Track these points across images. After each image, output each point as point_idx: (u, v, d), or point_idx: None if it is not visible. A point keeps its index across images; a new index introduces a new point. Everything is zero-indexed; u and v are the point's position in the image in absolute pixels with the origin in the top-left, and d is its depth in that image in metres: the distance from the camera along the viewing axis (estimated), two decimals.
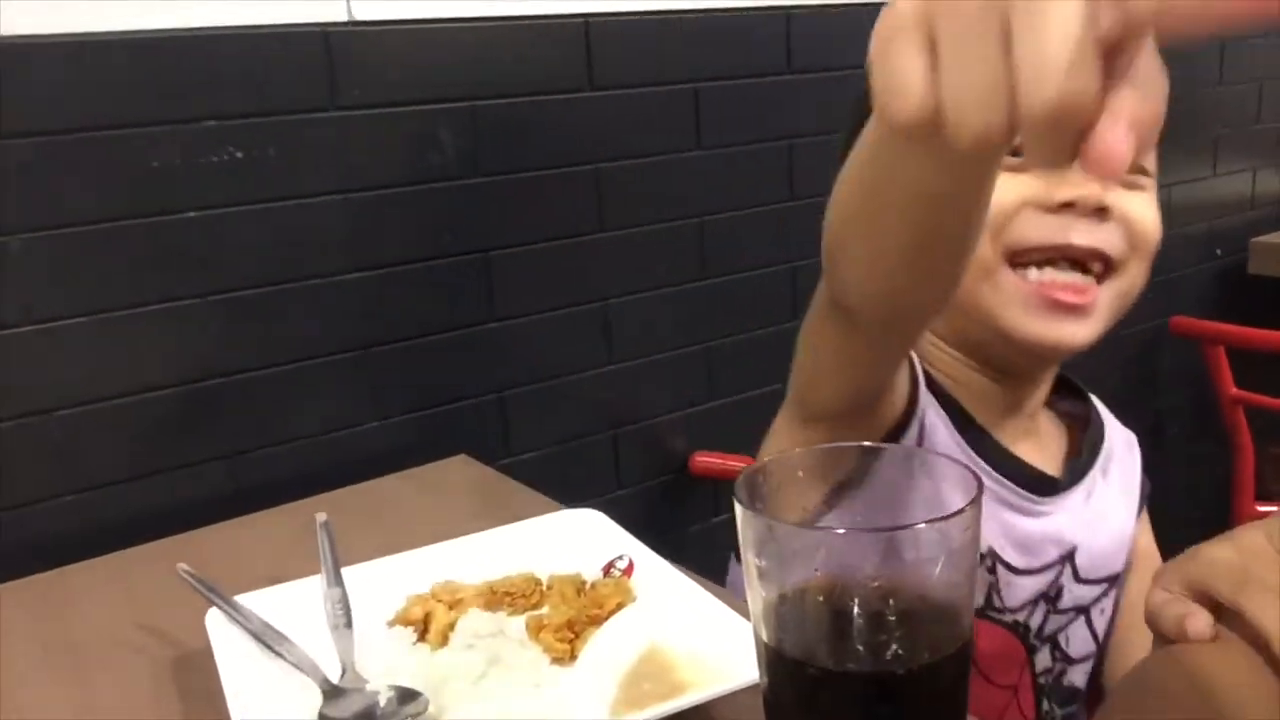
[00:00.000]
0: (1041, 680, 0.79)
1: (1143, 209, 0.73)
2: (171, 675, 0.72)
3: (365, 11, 1.04)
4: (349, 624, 0.70)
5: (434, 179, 1.11)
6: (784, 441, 0.73)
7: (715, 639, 0.64)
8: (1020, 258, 0.71)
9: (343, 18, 1.03)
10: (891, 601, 0.45)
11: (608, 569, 0.74)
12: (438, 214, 1.12)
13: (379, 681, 0.65)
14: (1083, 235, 0.70)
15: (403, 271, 1.11)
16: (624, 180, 1.24)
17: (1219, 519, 1.61)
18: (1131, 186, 0.72)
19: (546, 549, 0.78)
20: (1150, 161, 0.74)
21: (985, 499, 0.56)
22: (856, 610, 0.46)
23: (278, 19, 1.00)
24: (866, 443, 0.50)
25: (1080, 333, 0.71)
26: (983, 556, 0.74)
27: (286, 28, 1.01)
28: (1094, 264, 0.71)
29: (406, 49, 1.08)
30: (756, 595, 0.46)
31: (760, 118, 1.34)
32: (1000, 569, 0.75)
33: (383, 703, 0.63)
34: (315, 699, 0.63)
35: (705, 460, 1.32)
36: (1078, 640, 0.79)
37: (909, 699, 0.44)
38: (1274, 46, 2.03)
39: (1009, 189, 0.69)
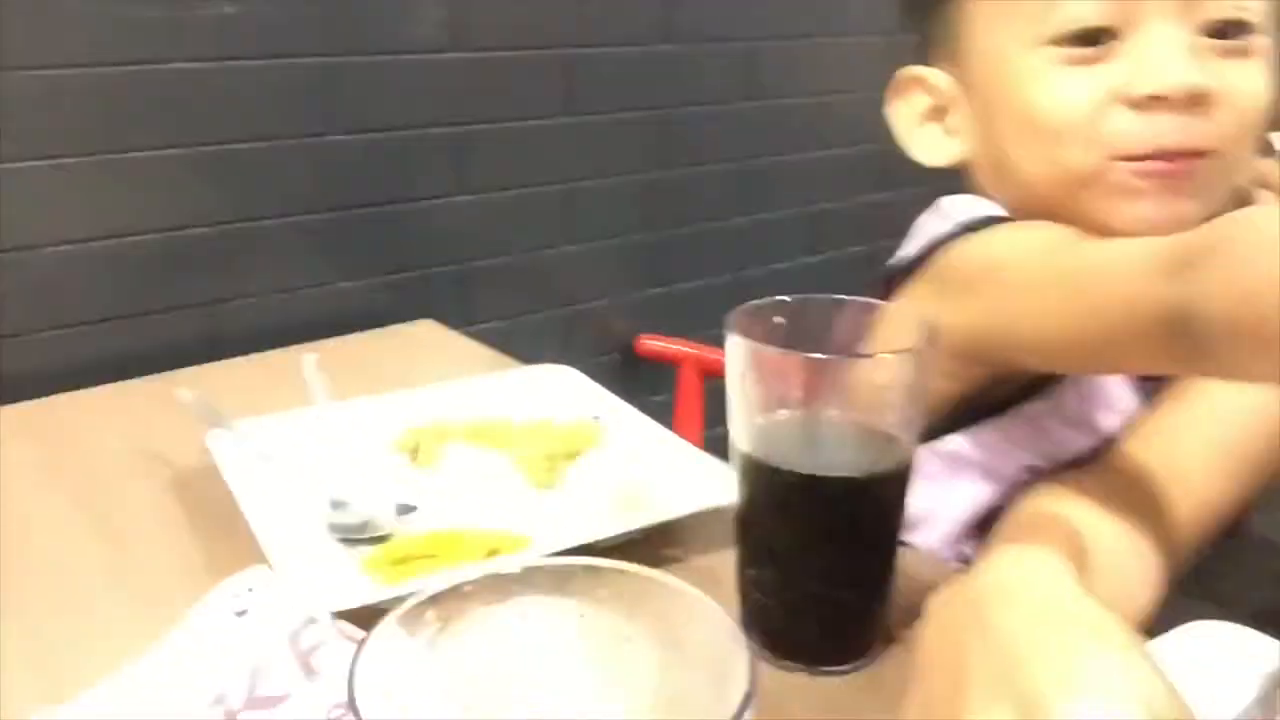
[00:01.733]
0: None
1: (1242, 80, 0.62)
2: (175, 494, 0.77)
3: None
4: (345, 445, 0.77)
5: (415, 50, 1.15)
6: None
7: (683, 470, 0.72)
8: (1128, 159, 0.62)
9: None
10: (851, 423, 0.55)
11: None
12: (416, 87, 1.16)
13: (378, 496, 0.72)
14: (1177, 133, 0.60)
15: (381, 139, 1.15)
16: (596, 68, 1.29)
17: None
18: (1234, 54, 0.62)
19: (522, 399, 0.85)
20: (1261, 13, 0.63)
21: None
22: (823, 428, 0.55)
23: None
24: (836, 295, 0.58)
25: (1179, 212, 0.61)
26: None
27: None
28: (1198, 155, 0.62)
29: None
30: (738, 414, 0.55)
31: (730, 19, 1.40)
32: None
33: (384, 514, 0.71)
34: (322, 510, 0.70)
35: (650, 343, 1.41)
36: None
37: (863, 501, 0.54)
38: None
39: (1085, 85, 0.62)
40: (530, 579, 0.38)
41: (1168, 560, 0.60)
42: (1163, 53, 0.60)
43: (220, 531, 0.69)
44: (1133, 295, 0.49)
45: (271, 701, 0.50)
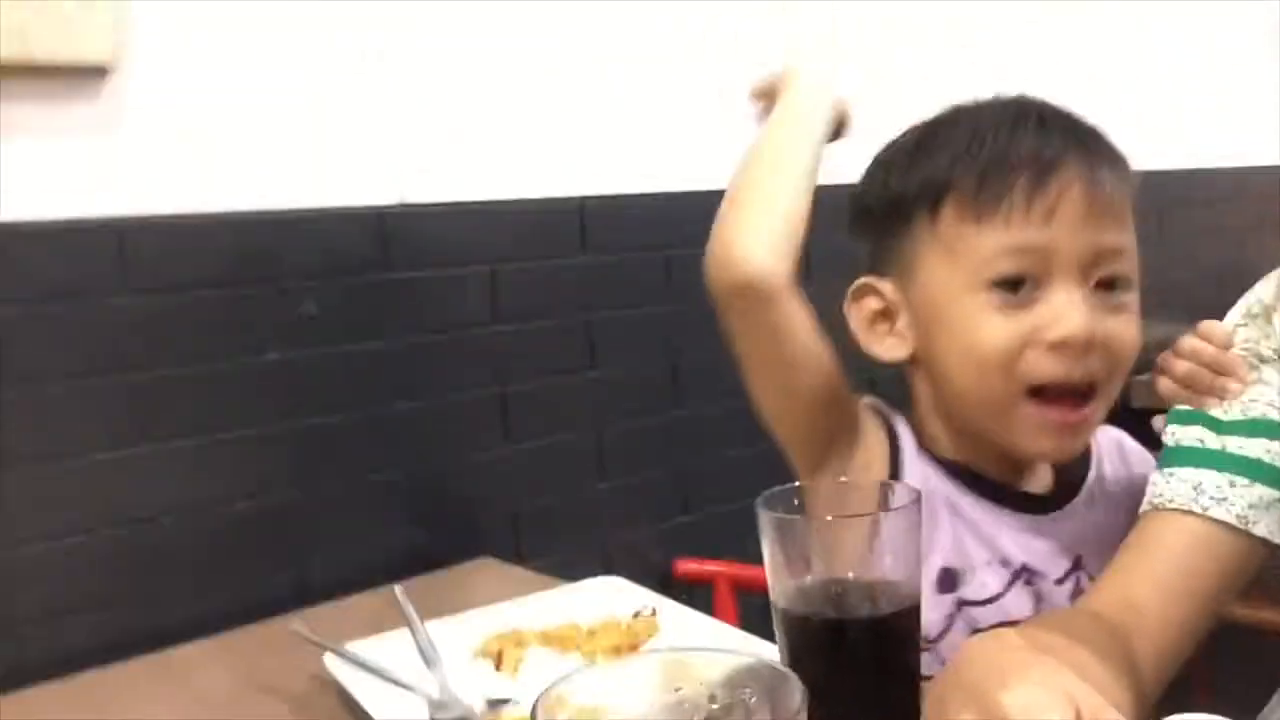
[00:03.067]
0: None
1: (1123, 329, 0.79)
2: (291, 713, 0.89)
3: (413, 196, 1.32)
4: (438, 658, 0.89)
5: (464, 325, 1.36)
6: None
7: (729, 642, 0.85)
8: (1034, 394, 0.79)
9: (395, 201, 1.30)
10: (863, 574, 0.68)
11: (637, 614, 0.95)
12: (465, 356, 1.37)
13: (470, 697, 0.84)
14: (1077, 369, 0.77)
15: (440, 405, 1.34)
16: (614, 327, 1.50)
17: None
18: (1117, 310, 0.79)
19: (584, 605, 0.98)
20: (1134, 277, 0.81)
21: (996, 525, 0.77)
22: (843, 584, 0.68)
23: (346, 202, 1.26)
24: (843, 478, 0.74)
25: (1075, 445, 0.83)
26: (1019, 571, 0.85)
27: (351, 209, 1.27)
28: (1091, 392, 0.79)
29: (442, 225, 1.35)
30: (774, 578, 0.69)
31: None
32: (1038, 581, 0.86)
33: (478, 708, 0.82)
34: (425, 711, 0.82)
35: (687, 565, 1.53)
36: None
37: (881, 636, 0.67)
38: (1140, 218, 2.40)
39: (1007, 328, 0.78)
40: None
41: (1134, 689, 0.69)
42: (1068, 307, 0.78)
43: None
44: None
45: None
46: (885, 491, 0.73)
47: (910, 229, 0.83)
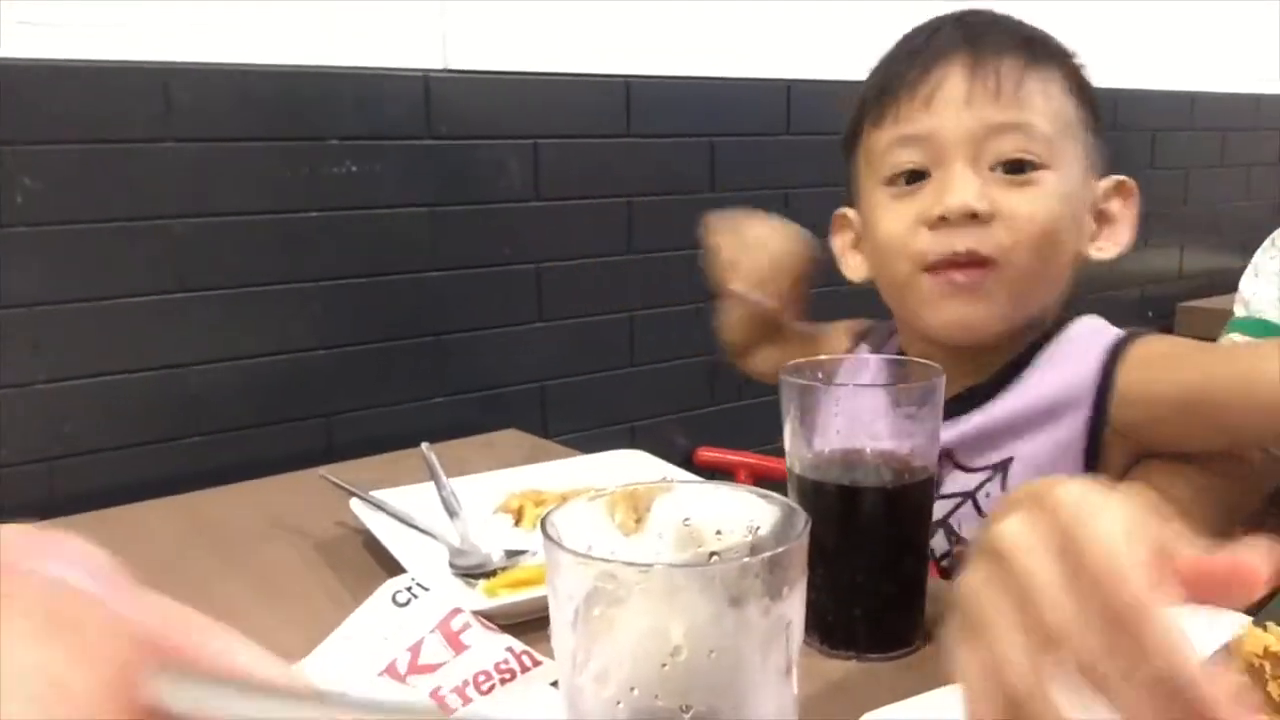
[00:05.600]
0: (944, 563, 0.87)
1: (1021, 204, 0.79)
2: (319, 554, 0.92)
3: (457, 61, 1.30)
4: (460, 510, 0.92)
5: (502, 199, 1.36)
6: None
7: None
8: (930, 269, 0.81)
9: (439, 65, 1.29)
10: (879, 444, 0.69)
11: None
12: (503, 228, 1.37)
13: (489, 546, 0.86)
14: (961, 240, 0.79)
15: (473, 274, 1.35)
16: (653, 213, 1.49)
17: None
18: (1019, 185, 0.79)
19: (604, 472, 1.00)
20: (1046, 155, 0.79)
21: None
22: (858, 454, 0.69)
23: (392, 64, 1.25)
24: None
25: (975, 312, 0.80)
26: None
27: (397, 70, 1.26)
28: (984, 263, 0.79)
29: (487, 93, 1.33)
30: (792, 445, 0.69)
31: (763, 168, 1.60)
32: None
33: (495, 557, 0.85)
34: (445, 556, 0.85)
35: (708, 454, 1.55)
36: (968, 522, 0.85)
37: (893, 507, 0.67)
38: (1200, 139, 2.34)
39: (901, 213, 0.82)
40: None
41: None
42: (950, 185, 0.80)
43: (362, 582, 0.83)
44: None
45: (430, 668, 0.64)
46: (905, 366, 0.74)
47: (854, 152, 0.90)
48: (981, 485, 0.85)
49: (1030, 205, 0.79)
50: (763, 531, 0.45)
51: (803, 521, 0.41)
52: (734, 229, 1.02)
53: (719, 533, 0.47)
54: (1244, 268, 1.19)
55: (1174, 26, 2.24)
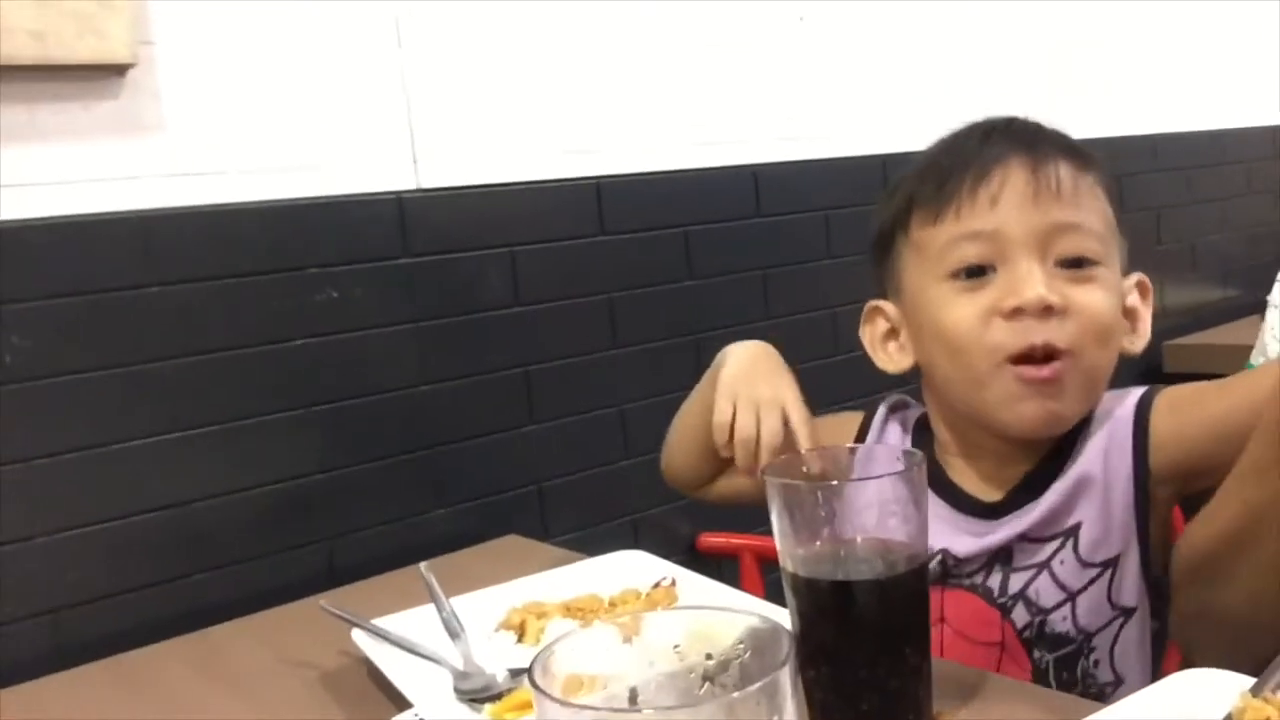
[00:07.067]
0: (1025, 634, 0.89)
1: (1089, 298, 0.84)
2: (324, 687, 0.92)
3: (429, 180, 1.33)
4: (463, 631, 0.91)
5: (484, 309, 1.38)
6: None
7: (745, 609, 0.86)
8: (1012, 360, 0.84)
9: (412, 185, 1.32)
10: (871, 539, 0.69)
11: (657, 584, 0.97)
12: (487, 336, 1.38)
13: (493, 667, 0.86)
14: (1038, 333, 0.82)
15: (462, 384, 1.36)
16: (634, 307, 1.51)
17: None
18: (1081, 281, 0.84)
19: (605, 577, 1.00)
20: (1101, 253, 0.85)
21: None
22: (850, 547, 0.70)
23: (365, 189, 1.28)
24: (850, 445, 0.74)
25: (1058, 406, 0.85)
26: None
27: (371, 195, 1.29)
28: (1055, 356, 0.83)
29: (460, 207, 1.36)
30: (784, 545, 0.70)
31: (737, 252, 1.63)
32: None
33: (500, 678, 0.84)
34: (449, 681, 0.84)
35: (710, 539, 1.55)
36: (1046, 592, 0.89)
37: (888, 598, 0.68)
38: (1166, 179, 2.38)
39: (970, 306, 0.84)
40: None
41: None
42: (1023, 279, 0.84)
43: (368, 715, 0.83)
44: None
45: None
46: (891, 453, 0.74)
47: (895, 247, 0.92)
48: (1055, 554, 0.89)
49: (1092, 299, 0.84)
50: (749, 655, 0.45)
51: (787, 643, 0.41)
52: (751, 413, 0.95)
53: (709, 656, 0.48)
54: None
55: (1132, 74, 2.30)
